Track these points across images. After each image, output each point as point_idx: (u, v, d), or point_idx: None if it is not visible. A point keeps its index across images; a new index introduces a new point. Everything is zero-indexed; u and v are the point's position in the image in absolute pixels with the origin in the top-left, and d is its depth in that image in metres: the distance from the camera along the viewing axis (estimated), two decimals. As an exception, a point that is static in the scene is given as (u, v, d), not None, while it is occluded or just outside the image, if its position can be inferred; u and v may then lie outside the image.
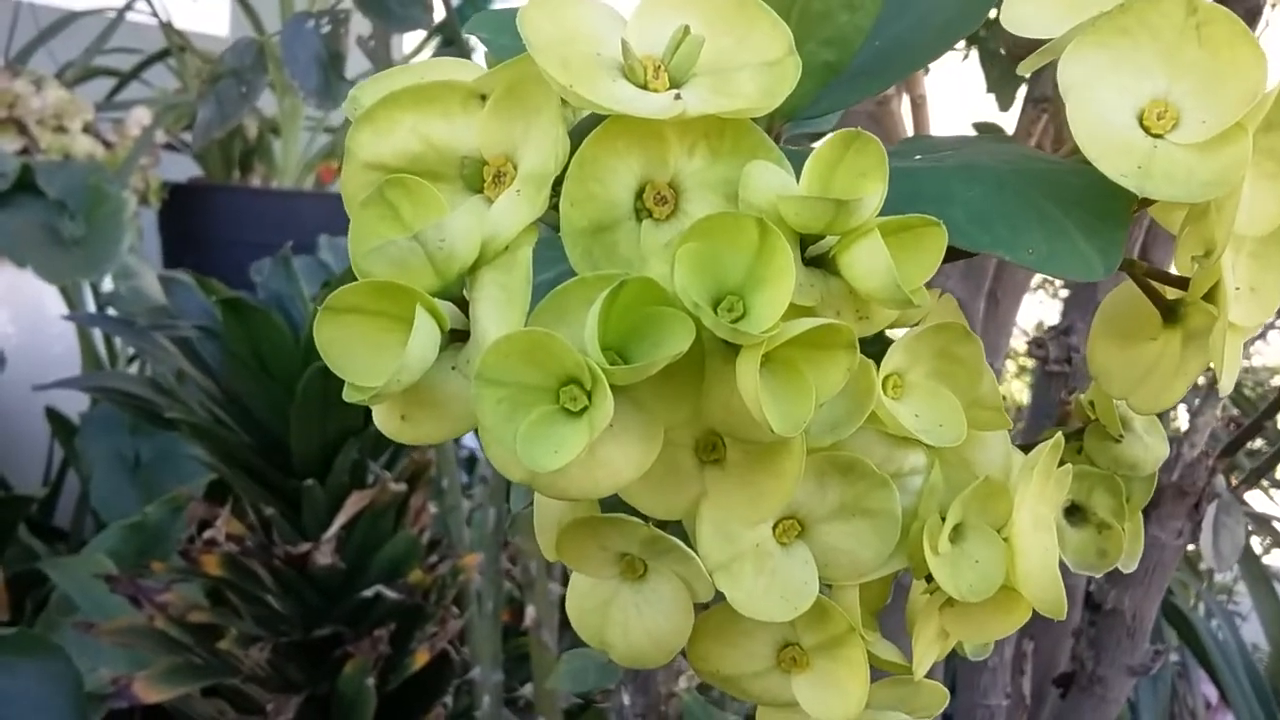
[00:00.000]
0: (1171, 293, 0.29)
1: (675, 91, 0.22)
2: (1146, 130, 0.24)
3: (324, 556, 0.82)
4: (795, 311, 0.22)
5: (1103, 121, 0.24)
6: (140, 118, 1.75)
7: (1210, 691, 1.32)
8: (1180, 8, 0.24)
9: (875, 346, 0.26)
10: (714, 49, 0.23)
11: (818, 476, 0.25)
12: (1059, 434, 0.27)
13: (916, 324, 0.27)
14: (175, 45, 1.88)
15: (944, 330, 0.26)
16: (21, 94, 1.73)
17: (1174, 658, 1.28)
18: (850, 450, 0.25)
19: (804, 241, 0.22)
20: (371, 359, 0.20)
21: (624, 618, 0.26)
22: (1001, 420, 0.27)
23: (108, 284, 1.53)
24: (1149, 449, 0.34)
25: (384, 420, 0.22)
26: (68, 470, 1.43)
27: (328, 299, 0.20)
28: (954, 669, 0.70)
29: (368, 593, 0.82)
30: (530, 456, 0.20)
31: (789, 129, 0.32)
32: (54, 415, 1.44)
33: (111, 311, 1.52)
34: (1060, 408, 0.61)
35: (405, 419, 0.22)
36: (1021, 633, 0.68)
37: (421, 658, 0.81)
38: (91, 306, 1.55)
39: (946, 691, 0.27)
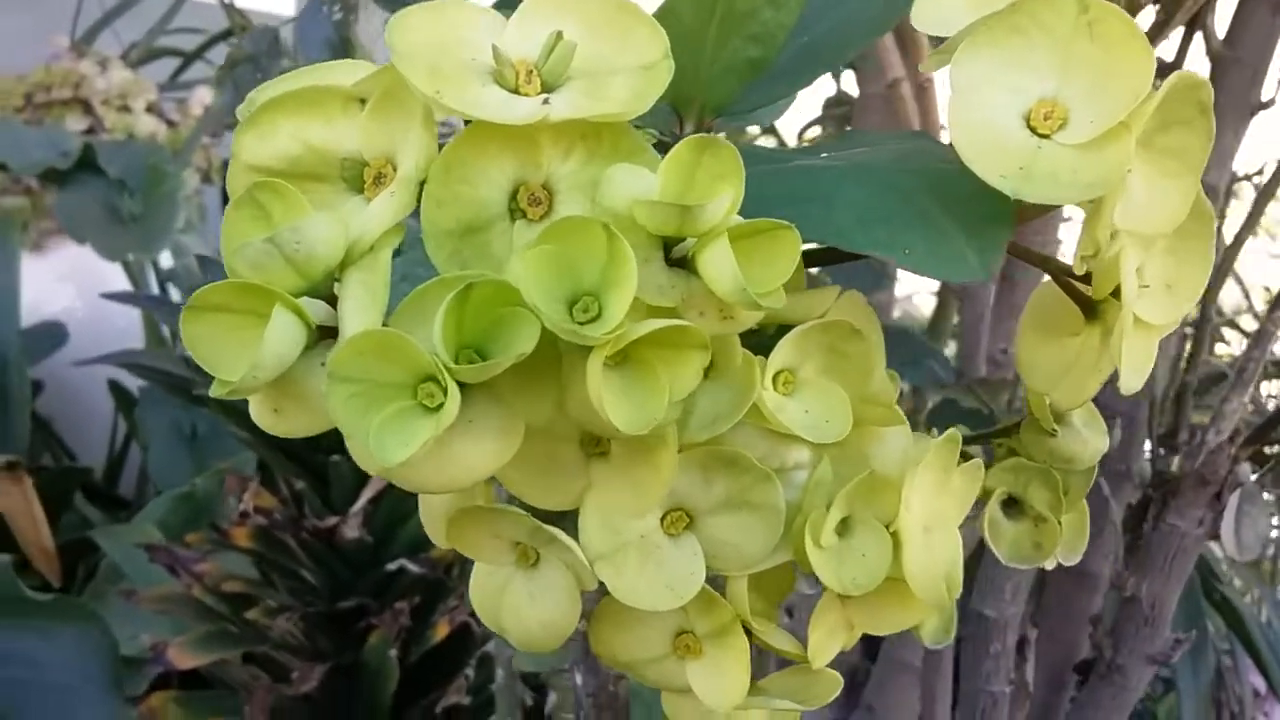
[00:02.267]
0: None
1: (544, 96, 0.22)
2: (1033, 131, 0.24)
3: (351, 530, 0.84)
4: (656, 312, 0.22)
5: (986, 124, 0.24)
6: (203, 97, 1.79)
7: (1258, 682, 1.30)
8: (1073, 5, 0.24)
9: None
10: (593, 52, 0.23)
11: (702, 470, 0.25)
12: (954, 430, 0.27)
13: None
14: (237, 25, 1.92)
15: (832, 327, 0.26)
16: (87, 74, 1.78)
17: (1223, 646, 1.26)
18: (734, 445, 0.25)
19: (670, 243, 0.22)
20: (237, 355, 0.21)
21: (517, 604, 0.26)
22: (894, 417, 0.27)
23: (168, 261, 1.57)
24: (1086, 443, 0.34)
25: (258, 413, 0.23)
26: (131, 442, 1.48)
27: (191, 297, 0.21)
28: (958, 655, 0.69)
29: (392, 566, 0.84)
30: (379, 450, 0.20)
31: (719, 124, 0.32)
32: (116, 388, 1.49)
33: (172, 288, 1.56)
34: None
35: (278, 412, 0.22)
36: (1026, 619, 0.68)
37: (442, 630, 0.83)
38: (153, 283, 1.59)
39: (840, 679, 0.28)
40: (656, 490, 0.24)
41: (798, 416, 0.26)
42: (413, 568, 0.83)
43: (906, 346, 0.69)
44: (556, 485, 0.25)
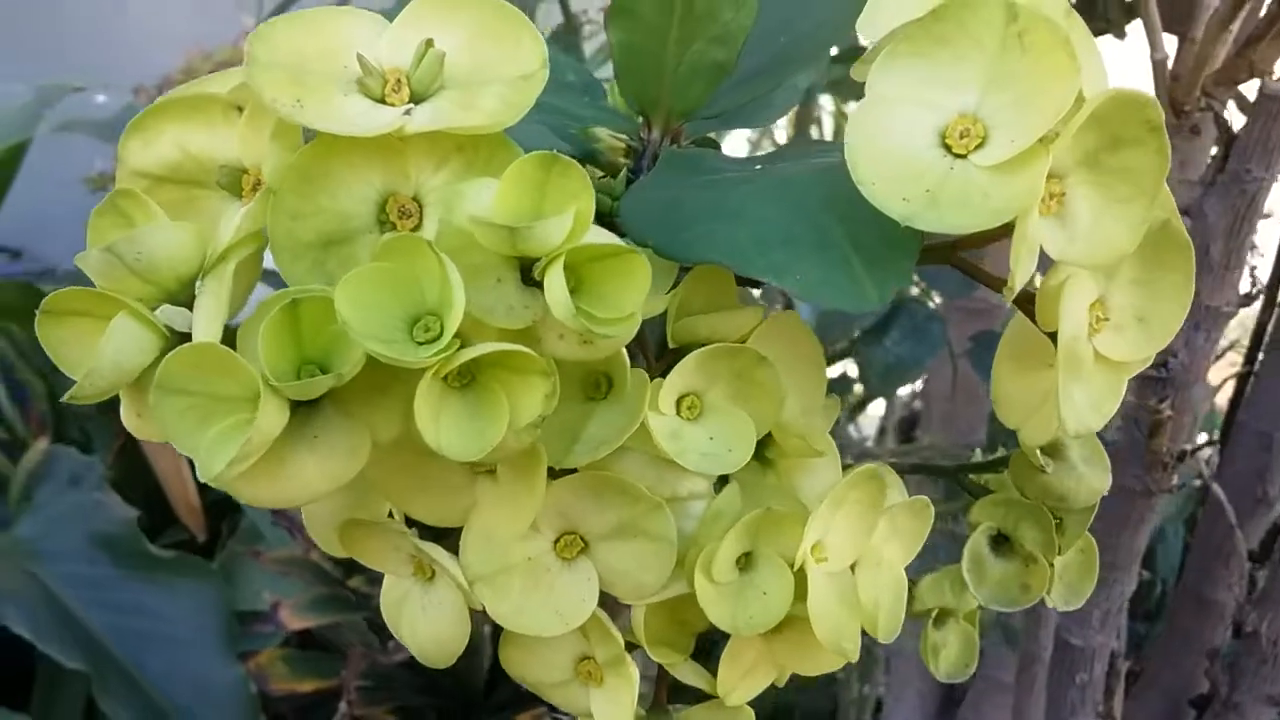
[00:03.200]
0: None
1: (408, 107, 0.22)
2: (947, 150, 0.22)
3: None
4: (507, 334, 0.21)
5: (893, 142, 0.22)
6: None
7: None
8: (1000, 13, 0.22)
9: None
10: (471, 61, 0.22)
11: (595, 494, 0.24)
12: (873, 466, 0.25)
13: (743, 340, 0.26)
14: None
15: (738, 353, 0.24)
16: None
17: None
18: (626, 469, 0.24)
19: (527, 262, 0.21)
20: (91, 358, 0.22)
21: (413, 616, 0.26)
22: (806, 449, 0.25)
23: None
24: (1082, 480, 0.31)
25: (125, 416, 0.23)
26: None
27: (44, 302, 0.21)
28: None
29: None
30: (206, 461, 0.20)
31: (688, 129, 0.31)
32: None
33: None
34: (1153, 416, 0.56)
35: (140, 416, 0.23)
36: (1128, 646, 0.64)
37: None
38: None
39: (752, 714, 0.26)
40: (529, 512, 0.23)
41: (699, 442, 0.24)
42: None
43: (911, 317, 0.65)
44: (442, 502, 0.24)
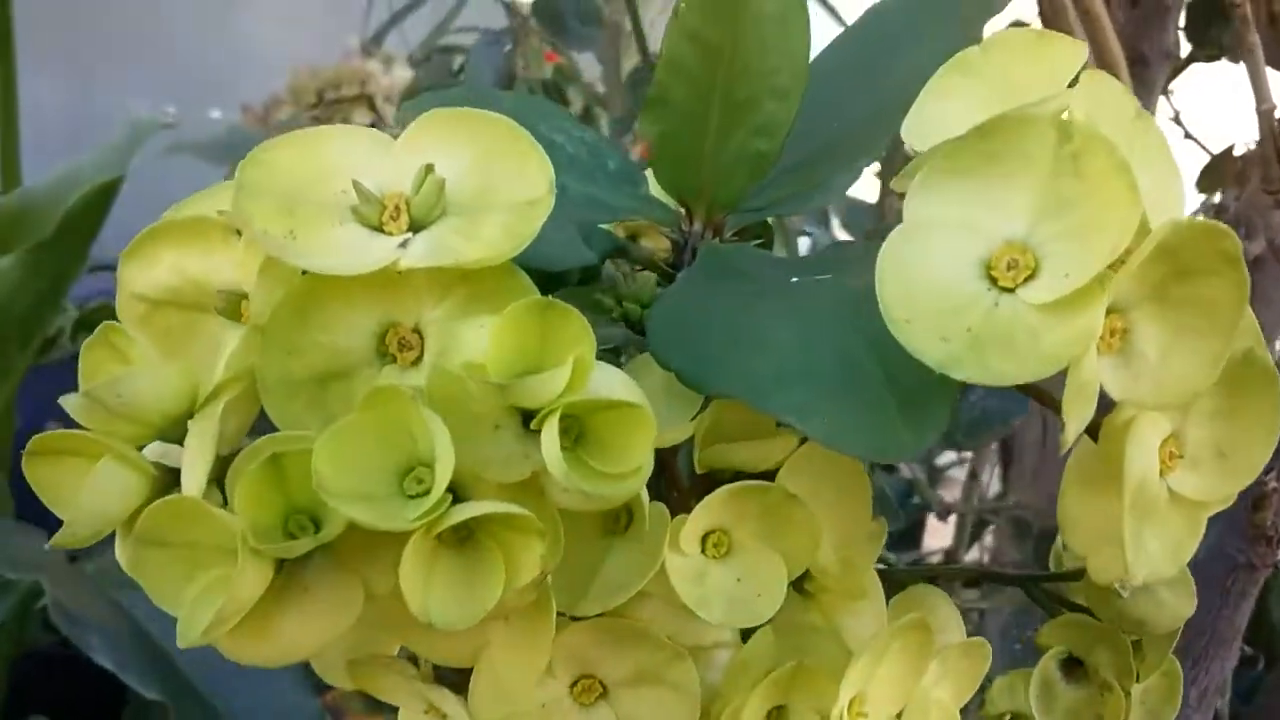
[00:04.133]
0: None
1: (405, 237, 0.20)
2: (992, 282, 0.20)
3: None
4: (506, 484, 0.20)
5: (932, 272, 0.20)
6: (477, 94, 1.86)
7: None
8: (1052, 132, 0.20)
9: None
10: (475, 185, 0.21)
11: (613, 640, 0.23)
12: (918, 615, 0.23)
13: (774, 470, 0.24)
14: (517, 24, 1.98)
15: (768, 491, 0.23)
16: (372, 72, 1.88)
17: None
18: (646, 615, 0.23)
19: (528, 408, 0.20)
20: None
21: (426, 755, 0.25)
22: (845, 592, 0.23)
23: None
24: (1163, 606, 0.29)
25: (119, 553, 0.22)
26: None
27: (30, 444, 0.20)
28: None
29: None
30: (185, 625, 0.19)
31: (732, 220, 0.29)
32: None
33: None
34: (1258, 487, 0.53)
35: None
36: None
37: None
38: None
39: None
40: (539, 661, 0.22)
41: (725, 585, 0.23)
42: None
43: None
44: (451, 644, 0.23)
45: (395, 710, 0.77)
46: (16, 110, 0.86)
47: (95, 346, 0.21)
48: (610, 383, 0.19)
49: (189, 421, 0.21)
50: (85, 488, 0.20)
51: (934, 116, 0.23)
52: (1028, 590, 0.32)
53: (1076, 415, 0.20)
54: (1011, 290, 0.20)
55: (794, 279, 0.24)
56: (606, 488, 0.19)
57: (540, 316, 0.19)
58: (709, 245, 0.28)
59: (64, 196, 0.75)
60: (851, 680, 0.22)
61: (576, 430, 0.19)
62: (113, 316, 0.22)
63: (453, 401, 0.19)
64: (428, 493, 0.19)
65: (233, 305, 0.22)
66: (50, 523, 0.21)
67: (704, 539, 0.23)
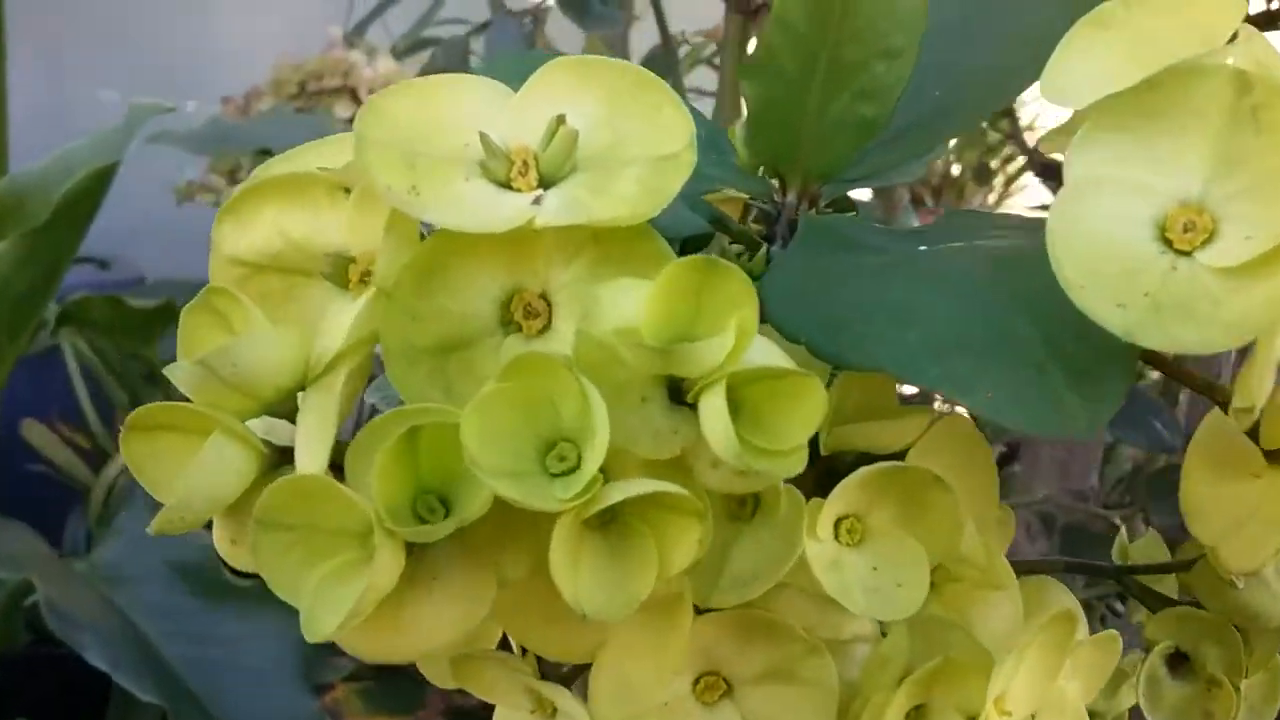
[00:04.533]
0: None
1: (536, 194, 0.19)
2: (1168, 245, 0.19)
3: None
4: (651, 467, 0.18)
5: (1103, 234, 0.19)
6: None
7: None
8: (1229, 84, 0.19)
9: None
10: (607, 137, 0.20)
11: (741, 633, 0.21)
12: (1062, 609, 0.22)
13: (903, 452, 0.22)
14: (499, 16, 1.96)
15: (908, 473, 0.21)
16: (355, 64, 1.85)
17: None
18: (779, 606, 0.21)
19: (675, 380, 0.18)
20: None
21: (530, 756, 0.23)
22: (990, 581, 0.22)
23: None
24: (1277, 598, 0.27)
25: (217, 541, 0.20)
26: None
27: (130, 418, 0.19)
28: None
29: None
30: (310, 619, 0.18)
31: (828, 191, 0.28)
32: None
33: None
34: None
35: (235, 543, 0.20)
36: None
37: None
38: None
39: None
40: (671, 658, 0.20)
41: (861, 574, 0.21)
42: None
43: (1130, 403, 0.61)
44: (568, 638, 0.21)
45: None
46: (6, 98, 0.83)
47: (197, 312, 0.19)
48: (768, 351, 0.18)
49: (300, 395, 0.19)
50: (194, 465, 0.18)
51: (1076, 72, 0.21)
52: (1123, 583, 0.31)
53: (1257, 392, 0.19)
54: (1189, 254, 0.19)
55: (921, 247, 0.23)
56: (772, 465, 0.17)
57: (701, 276, 0.18)
58: (809, 217, 0.27)
59: (58, 182, 0.73)
60: (1000, 677, 0.21)
61: (731, 405, 0.18)
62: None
63: (597, 372, 0.18)
64: (572, 470, 0.18)
65: (340, 269, 0.20)
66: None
67: (836, 525, 0.22)
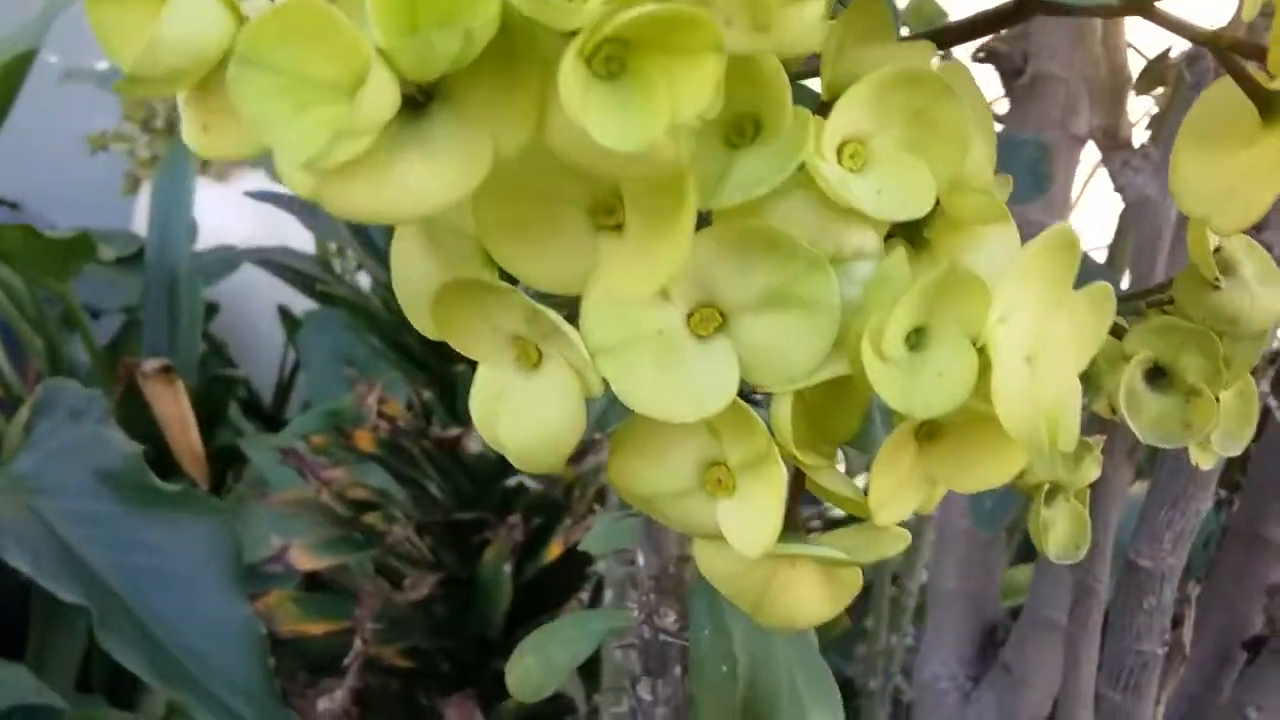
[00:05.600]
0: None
1: None
2: None
3: (474, 443, 0.82)
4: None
5: None
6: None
7: None
8: None
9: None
10: None
11: (738, 252, 0.20)
12: (1065, 224, 0.21)
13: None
14: None
15: (918, 82, 0.21)
16: None
17: None
18: (779, 220, 0.20)
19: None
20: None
21: (514, 411, 0.22)
22: (993, 207, 0.21)
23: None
24: (1256, 300, 0.28)
25: (189, 133, 0.19)
26: (299, 368, 1.51)
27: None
28: (1108, 616, 0.62)
29: (511, 482, 0.81)
30: (301, 145, 0.16)
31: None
32: (284, 312, 1.52)
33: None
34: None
35: (208, 130, 0.19)
36: (1188, 576, 0.60)
37: (556, 549, 0.80)
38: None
39: (908, 535, 0.23)
40: (671, 258, 0.19)
41: (866, 197, 0.21)
42: (532, 484, 0.80)
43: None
44: (558, 260, 0.20)
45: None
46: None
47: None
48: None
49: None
50: (168, 10, 0.17)
51: None
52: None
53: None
54: None
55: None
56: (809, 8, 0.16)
57: None
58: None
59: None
60: (1004, 292, 0.21)
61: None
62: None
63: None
64: None
65: None
66: None
67: (838, 151, 0.21)
